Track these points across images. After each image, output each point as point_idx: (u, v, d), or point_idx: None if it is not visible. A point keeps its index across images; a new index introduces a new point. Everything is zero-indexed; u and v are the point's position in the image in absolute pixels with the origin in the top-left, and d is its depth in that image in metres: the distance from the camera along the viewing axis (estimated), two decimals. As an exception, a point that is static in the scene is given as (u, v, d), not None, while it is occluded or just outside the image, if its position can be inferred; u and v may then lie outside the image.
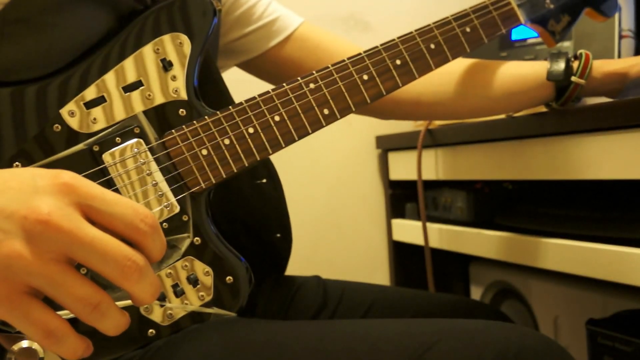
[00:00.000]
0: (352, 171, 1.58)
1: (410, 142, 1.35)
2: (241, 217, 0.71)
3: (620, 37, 1.25)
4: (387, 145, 1.53)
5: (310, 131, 0.73)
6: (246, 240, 0.71)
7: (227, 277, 0.69)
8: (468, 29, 0.84)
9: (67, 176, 0.46)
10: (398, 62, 0.78)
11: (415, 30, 0.80)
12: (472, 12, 0.85)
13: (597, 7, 0.97)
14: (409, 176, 1.44)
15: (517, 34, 1.36)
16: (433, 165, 1.29)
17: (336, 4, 1.56)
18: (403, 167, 1.48)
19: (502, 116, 1.10)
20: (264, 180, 0.80)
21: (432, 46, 0.81)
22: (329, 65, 0.75)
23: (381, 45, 0.78)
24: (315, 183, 1.55)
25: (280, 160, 1.46)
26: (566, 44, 1.29)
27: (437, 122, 1.27)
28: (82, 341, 0.47)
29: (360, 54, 0.77)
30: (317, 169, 1.54)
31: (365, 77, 0.76)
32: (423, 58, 0.80)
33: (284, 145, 0.72)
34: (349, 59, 0.76)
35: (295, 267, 1.49)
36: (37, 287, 0.45)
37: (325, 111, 0.74)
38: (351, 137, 1.57)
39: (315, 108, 0.73)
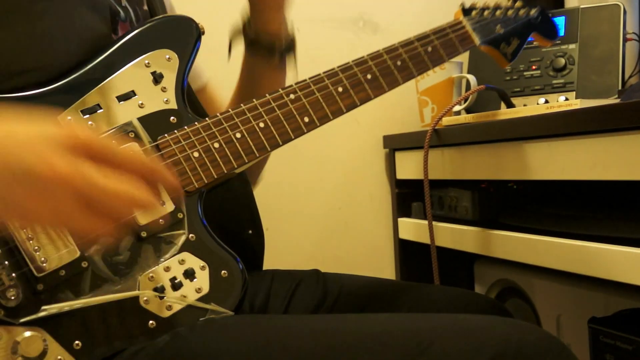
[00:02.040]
0: (360, 170, 1.59)
1: (417, 142, 1.36)
2: (212, 215, 0.75)
3: (625, 39, 1.26)
4: (394, 145, 1.54)
5: (292, 137, 0.79)
6: (220, 237, 0.74)
7: (223, 272, 0.72)
8: (430, 49, 0.91)
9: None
10: (369, 76, 0.85)
11: (383, 49, 0.88)
12: (432, 33, 0.92)
13: (541, 31, 1.05)
14: (415, 175, 1.45)
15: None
16: (439, 165, 1.30)
17: (345, 5, 1.57)
18: (409, 166, 1.49)
19: (508, 117, 1.11)
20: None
21: (399, 63, 0.88)
22: (307, 79, 0.81)
23: (353, 61, 0.85)
24: (323, 181, 1.55)
25: (288, 158, 1.48)
26: (571, 47, 1.30)
27: (444, 123, 1.28)
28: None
29: (334, 68, 0.83)
30: (324, 167, 1.55)
31: (340, 89, 0.83)
32: (391, 74, 0.87)
33: (269, 149, 0.77)
34: (324, 72, 0.82)
35: (302, 264, 1.50)
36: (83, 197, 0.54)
37: (306, 119, 0.80)
38: (359, 137, 1.58)
39: (296, 116, 0.79)
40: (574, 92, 1.27)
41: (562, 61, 1.29)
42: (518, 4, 1.06)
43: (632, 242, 0.91)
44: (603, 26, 1.26)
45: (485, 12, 1.02)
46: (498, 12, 1.02)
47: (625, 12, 1.25)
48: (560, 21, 1.32)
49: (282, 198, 1.50)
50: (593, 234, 0.98)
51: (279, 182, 1.49)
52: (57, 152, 0.53)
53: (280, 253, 1.47)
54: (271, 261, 1.40)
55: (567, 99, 1.23)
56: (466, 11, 1.01)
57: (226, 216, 0.87)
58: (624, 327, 1.01)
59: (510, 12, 1.04)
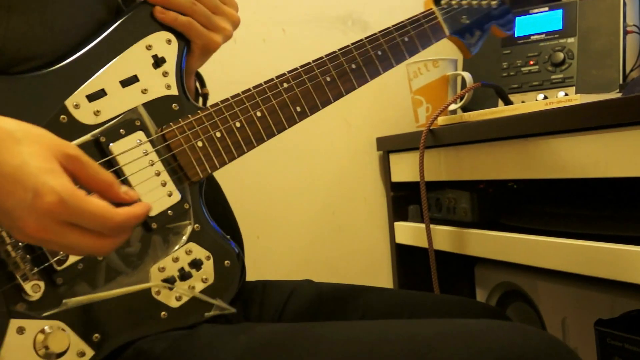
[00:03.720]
0: (353, 173, 1.57)
1: (412, 143, 1.34)
2: None
3: (625, 32, 1.25)
4: (388, 147, 1.52)
5: (286, 126, 0.82)
6: None
7: (226, 262, 0.76)
8: (406, 39, 0.95)
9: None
10: (353, 66, 0.89)
11: (366, 38, 0.91)
12: (408, 23, 0.97)
13: (500, 22, 1.11)
14: (410, 178, 1.43)
15: (520, 30, 1.35)
16: (435, 166, 1.28)
17: (334, 3, 1.56)
18: (405, 168, 1.47)
19: (506, 115, 1.09)
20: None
21: (380, 53, 0.92)
22: (298, 67, 0.84)
23: (339, 50, 0.88)
24: (316, 186, 1.54)
25: (280, 162, 1.45)
26: (570, 40, 1.29)
27: (440, 122, 1.26)
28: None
29: (322, 57, 0.87)
30: (317, 172, 1.53)
31: (328, 78, 0.86)
32: (372, 63, 0.91)
33: (265, 139, 0.80)
34: (313, 61, 0.86)
35: (295, 270, 1.48)
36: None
37: (298, 109, 0.83)
38: (351, 139, 1.56)
39: (290, 105, 0.82)
40: (574, 87, 1.26)
41: (561, 55, 1.28)
42: None
43: (638, 241, 0.89)
44: (602, 19, 1.25)
45: (453, 1, 1.04)
46: (464, 2, 1.05)
47: (625, 4, 1.25)
48: (557, 14, 1.30)
49: (273, 204, 1.49)
50: (597, 233, 0.97)
51: (270, 188, 1.47)
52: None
53: (273, 260, 1.45)
54: (264, 268, 1.36)
55: (566, 95, 1.21)
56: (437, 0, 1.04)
57: None
58: (631, 329, 1.01)
59: (474, 2, 1.07)
